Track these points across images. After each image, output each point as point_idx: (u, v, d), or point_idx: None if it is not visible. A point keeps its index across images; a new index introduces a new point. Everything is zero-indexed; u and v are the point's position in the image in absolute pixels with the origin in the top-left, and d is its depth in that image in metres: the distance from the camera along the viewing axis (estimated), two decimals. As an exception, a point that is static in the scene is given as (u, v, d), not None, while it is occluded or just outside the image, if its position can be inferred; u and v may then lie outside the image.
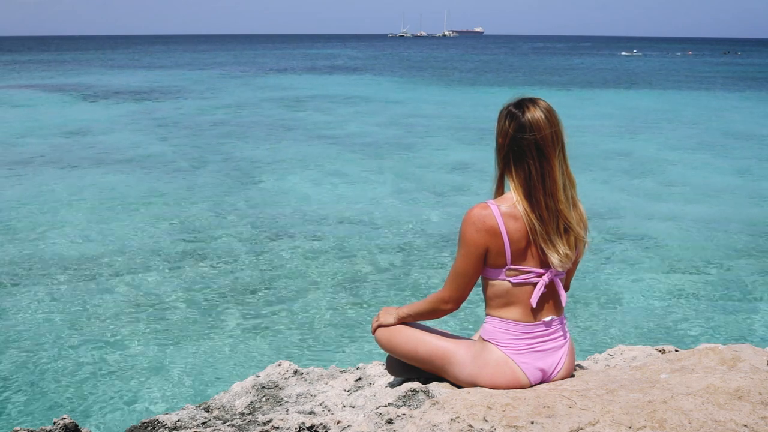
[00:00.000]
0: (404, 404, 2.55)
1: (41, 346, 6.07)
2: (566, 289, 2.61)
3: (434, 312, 2.61)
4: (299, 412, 2.78)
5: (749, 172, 14.08)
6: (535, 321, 2.47)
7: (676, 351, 3.08)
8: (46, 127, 19.97)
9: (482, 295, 2.57)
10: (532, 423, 2.12)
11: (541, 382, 2.51)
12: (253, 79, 40.56)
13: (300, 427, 2.50)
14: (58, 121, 21.37)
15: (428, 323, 2.77)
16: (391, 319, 2.71)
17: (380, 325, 2.74)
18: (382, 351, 2.81)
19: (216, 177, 13.28)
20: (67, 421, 2.76)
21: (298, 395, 3.04)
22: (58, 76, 42.46)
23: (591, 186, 12.33)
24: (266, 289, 7.52)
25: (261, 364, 5.55)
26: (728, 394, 2.22)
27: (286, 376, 3.28)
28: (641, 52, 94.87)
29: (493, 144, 2.51)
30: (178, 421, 2.77)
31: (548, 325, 2.49)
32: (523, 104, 2.43)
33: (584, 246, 2.52)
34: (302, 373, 3.31)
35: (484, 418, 2.19)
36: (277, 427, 2.52)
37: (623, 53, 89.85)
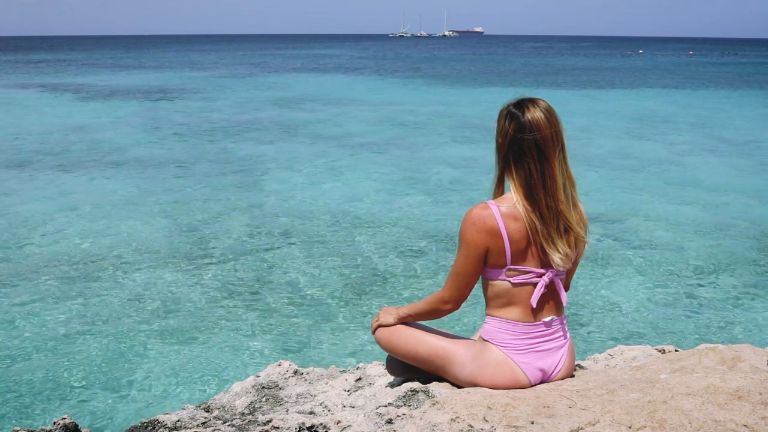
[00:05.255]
0: (404, 404, 2.55)
1: (42, 347, 6.07)
2: (566, 289, 2.61)
3: (434, 312, 2.61)
4: (299, 412, 2.78)
5: (750, 173, 14.07)
6: (536, 321, 2.47)
7: (676, 351, 3.08)
8: (47, 126, 19.96)
9: (482, 295, 2.57)
10: (532, 423, 2.12)
11: (541, 382, 2.51)
12: (254, 79, 40.55)
13: (300, 427, 2.50)
14: (59, 120, 21.37)
15: (428, 323, 2.77)
16: (391, 319, 2.71)
17: (380, 325, 2.74)
18: (382, 351, 2.81)
19: (216, 177, 13.28)
20: (67, 421, 2.76)
21: (298, 395, 3.04)
22: (59, 76, 42.46)
23: (592, 186, 12.32)
24: (266, 288, 7.52)
25: (261, 364, 5.55)
26: (728, 394, 2.22)
27: (286, 376, 3.28)
28: (643, 52, 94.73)
29: (494, 144, 2.52)
30: (178, 421, 2.77)
31: (548, 325, 2.49)
32: (523, 104, 2.43)
33: (584, 246, 2.52)
34: (302, 373, 3.31)
35: (484, 418, 2.19)
36: (277, 427, 2.52)
37: (626, 53, 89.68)
